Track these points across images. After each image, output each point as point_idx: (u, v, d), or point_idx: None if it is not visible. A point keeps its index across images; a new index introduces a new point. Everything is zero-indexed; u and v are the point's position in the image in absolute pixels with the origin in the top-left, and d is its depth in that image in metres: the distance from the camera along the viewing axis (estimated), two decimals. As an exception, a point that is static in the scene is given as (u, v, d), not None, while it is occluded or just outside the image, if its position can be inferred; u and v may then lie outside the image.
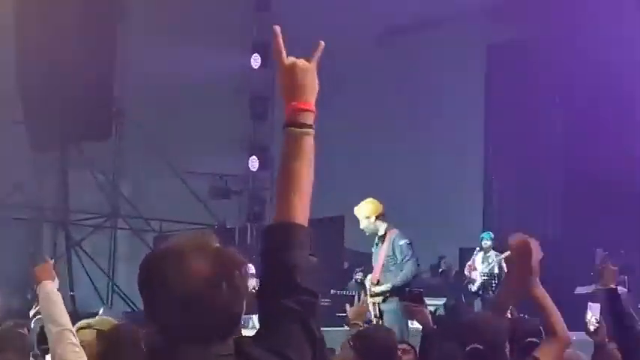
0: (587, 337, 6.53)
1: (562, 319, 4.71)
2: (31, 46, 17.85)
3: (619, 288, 5.94)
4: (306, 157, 2.75)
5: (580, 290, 14.18)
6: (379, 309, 11.20)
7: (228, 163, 20.46)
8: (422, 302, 7.17)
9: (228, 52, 19.77)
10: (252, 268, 16.03)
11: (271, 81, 19.71)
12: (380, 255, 11.31)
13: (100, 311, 7.31)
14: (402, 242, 11.14)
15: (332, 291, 16.26)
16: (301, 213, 2.70)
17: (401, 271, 11.16)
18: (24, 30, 18.02)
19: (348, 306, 7.88)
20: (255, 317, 6.48)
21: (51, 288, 5.25)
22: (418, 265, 11.61)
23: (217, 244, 2.61)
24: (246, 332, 2.73)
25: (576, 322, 6.68)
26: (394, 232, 11.24)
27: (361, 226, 11.38)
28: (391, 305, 11.04)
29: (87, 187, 20.19)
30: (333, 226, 17.68)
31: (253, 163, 20.43)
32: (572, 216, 17.92)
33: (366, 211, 11.24)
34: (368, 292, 11.35)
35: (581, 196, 17.64)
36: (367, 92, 19.31)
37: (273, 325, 2.61)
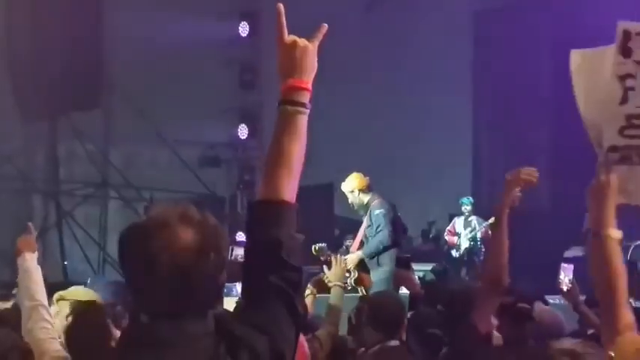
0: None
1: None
2: (19, 17, 17.76)
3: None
4: (297, 136, 2.74)
5: (569, 253, 14.24)
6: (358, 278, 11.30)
7: (217, 132, 20.43)
8: (409, 268, 7.22)
9: (216, 20, 19.70)
10: (240, 236, 16.04)
11: (259, 49, 19.67)
12: (362, 226, 11.45)
13: (88, 282, 7.30)
14: (377, 211, 11.21)
15: (322, 258, 16.26)
16: (289, 190, 2.69)
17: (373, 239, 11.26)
18: (12, 3, 17.93)
19: (325, 268, 7.85)
20: (238, 285, 6.44)
21: (30, 261, 5.14)
22: (401, 233, 11.63)
23: (199, 214, 2.58)
24: (229, 300, 2.72)
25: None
26: (374, 203, 11.33)
27: (349, 202, 11.55)
28: (376, 275, 11.09)
29: (77, 157, 20.17)
30: (323, 193, 17.69)
31: (242, 131, 20.42)
32: (562, 180, 17.95)
33: (349, 186, 11.43)
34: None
35: (570, 159, 17.64)
36: (355, 57, 19.27)
37: (258, 301, 2.60)
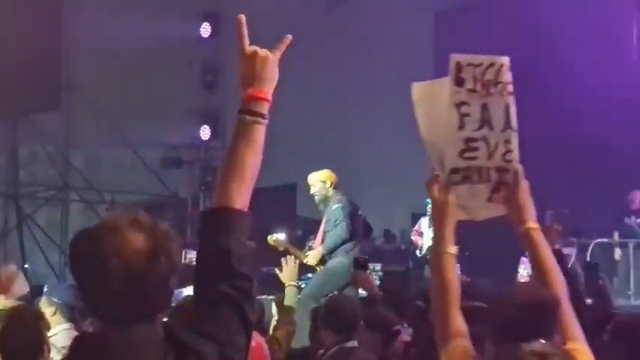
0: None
1: None
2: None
3: (566, 249, 6.01)
4: (253, 146, 2.76)
5: (531, 252, 14.33)
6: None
7: (179, 133, 20.37)
8: (366, 269, 7.23)
9: (178, 21, 19.64)
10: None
11: (221, 50, 19.63)
12: (323, 221, 11.39)
13: (45, 288, 7.20)
14: (335, 206, 11.12)
15: (281, 249, 16.19)
16: (240, 199, 2.71)
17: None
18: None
19: (277, 270, 7.81)
20: (184, 290, 6.43)
21: None
22: (359, 228, 11.57)
23: (150, 219, 2.56)
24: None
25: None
26: (334, 198, 11.25)
27: (312, 191, 11.39)
28: (330, 263, 11.04)
29: (38, 159, 20.04)
30: (285, 193, 17.69)
31: (205, 132, 20.39)
32: (526, 178, 18.03)
33: (321, 176, 11.30)
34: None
35: (533, 160, 17.76)
36: (318, 56, 19.28)
37: (208, 309, 2.61)
